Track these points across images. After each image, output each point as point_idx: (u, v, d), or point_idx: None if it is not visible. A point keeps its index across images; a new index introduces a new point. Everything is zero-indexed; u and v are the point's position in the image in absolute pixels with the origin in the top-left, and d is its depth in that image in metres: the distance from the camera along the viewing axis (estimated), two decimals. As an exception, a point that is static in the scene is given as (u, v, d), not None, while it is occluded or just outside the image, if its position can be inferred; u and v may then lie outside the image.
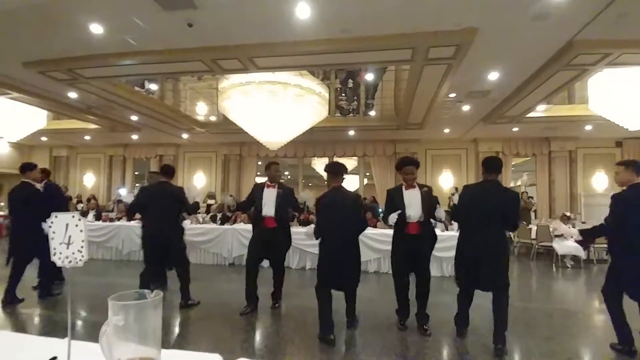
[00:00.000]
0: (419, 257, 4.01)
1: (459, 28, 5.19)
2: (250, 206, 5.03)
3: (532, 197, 12.77)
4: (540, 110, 9.82)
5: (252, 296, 4.69)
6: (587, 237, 4.39)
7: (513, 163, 13.87)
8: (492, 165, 3.64)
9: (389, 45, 5.63)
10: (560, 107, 10.04)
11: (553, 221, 9.53)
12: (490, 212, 3.48)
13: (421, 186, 4.08)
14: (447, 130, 11.83)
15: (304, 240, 7.26)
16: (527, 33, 5.31)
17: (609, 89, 7.12)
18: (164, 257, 4.76)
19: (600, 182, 12.51)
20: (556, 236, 8.37)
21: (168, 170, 4.99)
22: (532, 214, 12.31)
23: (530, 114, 9.65)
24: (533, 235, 9.06)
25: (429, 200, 4.00)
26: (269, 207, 4.65)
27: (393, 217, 3.89)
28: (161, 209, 4.71)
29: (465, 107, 9.19)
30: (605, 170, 12.51)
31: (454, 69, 6.46)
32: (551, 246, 8.39)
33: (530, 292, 6.21)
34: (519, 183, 17.99)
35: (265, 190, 4.72)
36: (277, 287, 4.94)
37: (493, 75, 7.03)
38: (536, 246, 8.89)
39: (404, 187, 4.06)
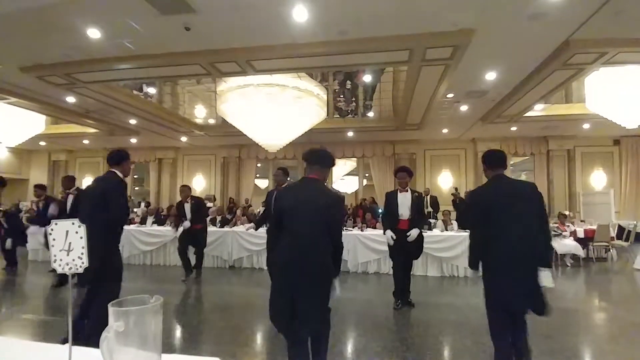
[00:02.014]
0: (408, 248, 4.80)
1: (456, 29, 5.22)
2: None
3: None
4: (538, 110, 9.85)
5: None
6: None
7: (512, 162, 13.88)
8: (496, 158, 2.97)
9: (386, 46, 5.65)
10: (558, 106, 10.07)
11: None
12: (517, 214, 2.74)
13: (413, 191, 4.92)
14: (445, 131, 11.86)
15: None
16: (523, 33, 5.33)
17: (606, 87, 7.15)
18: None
19: (599, 181, 12.54)
20: (555, 235, 8.38)
21: (112, 157, 3.56)
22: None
23: (528, 113, 9.68)
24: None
25: (418, 203, 4.93)
26: None
27: (389, 238, 4.80)
28: (85, 213, 3.39)
29: (464, 107, 9.22)
30: (603, 169, 12.55)
31: (451, 69, 6.48)
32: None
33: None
34: (517, 182, 18.04)
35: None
36: None
37: (490, 75, 7.06)
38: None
39: (398, 191, 4.91)
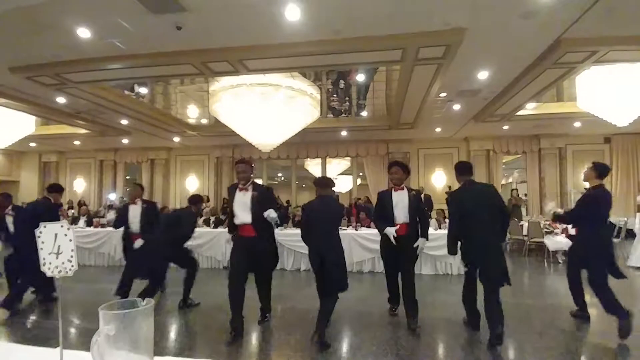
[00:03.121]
0: (404, 257, 4.14)
1: (448, 28, 5.23)
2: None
3: (526, 195, 12.91)
4: (530, 108, 9.92)
5: (237, 326, 3.83)
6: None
7: (504, 161, 13.98)
8: (464, 168, 4.11)
9: (379, 46, 5.65)
10: (549, 105, 10.15)
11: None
12: (481, 209, 3.74)
13: (410, 189, 4.22)
14: (438, 130, 11.91)
15: (299, 242, 7.26)
16: (515, 32, 5.36)
17: (597, 86, 7.21)
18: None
19: (590, 178, 12.65)
20: (547, 232, 8.46)
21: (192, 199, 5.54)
22: (523, 211, 12.44)
23: (520, 112, 9.75)
24: (525, 232, 9.14)
25: (417, 203, 4.18)
26: (242, 214, 3.95)
27: (391, 232, 4.08)
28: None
29: (456, 106, 9.26)
30: (594, 166, 12.66)
31: (444, 68, 6.50)
32: (542, 242, 8.47)
33: (523, 287, 6.27)
34: (510, 180, 18.18)
35: (237, 194, 4.01)
36: (265, 303, 4.38)
37: (483, 74, 7.09)
38: (528, 242, 8.97)
39: (393, 190, 4.23)
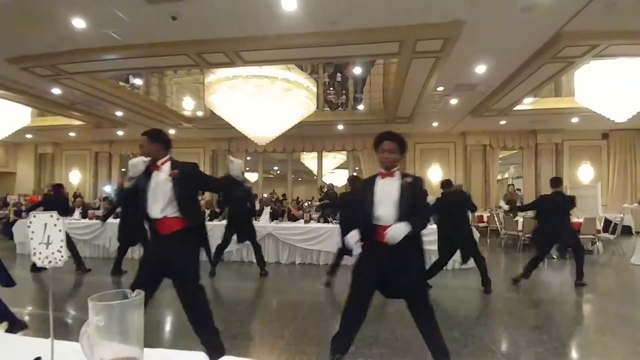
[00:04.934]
0: (399, 279, 2.58)
1: (446, 21, 5.20)
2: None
3: (519, 190, 12.94)
4: (527, 103, 9.92)
5: None
6: None
7: (500, 156, 14.00)
8: (447, 184, 5.68)
9: (377, 38, 5.62)
10: (547, 100, 10.14)
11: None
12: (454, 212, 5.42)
13: (404, 175, 2.70)
14: (435, 124, 11.89)
15: (294, 235, 7.27)
16: (514, 25, 5.33)
17: (596, 81, 7.19)
18: None
19: (586, 174, 12.70)
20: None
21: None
22: (519, 206, 12.47)
23: (518, 107, 9.74)
24: (519, 227, 9.17)
25: (412, 196, 2.60)
26: (155, 204, 2.75)
27: (351, 243, 2.67)
28: None
29: (453, 101, 9.24)
30: (591, 162, 12.71)
31: (441, 62, 6.48)
32: (538, 237, 8.49)
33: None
34: (506, 175, 18.22)
35: (153, 176, 2.85)
36: (206, 340, 2.95)
37: (480, 68, 7.07)
38: (522, 238, 9.01)
39: (379, 176, 2.75)
